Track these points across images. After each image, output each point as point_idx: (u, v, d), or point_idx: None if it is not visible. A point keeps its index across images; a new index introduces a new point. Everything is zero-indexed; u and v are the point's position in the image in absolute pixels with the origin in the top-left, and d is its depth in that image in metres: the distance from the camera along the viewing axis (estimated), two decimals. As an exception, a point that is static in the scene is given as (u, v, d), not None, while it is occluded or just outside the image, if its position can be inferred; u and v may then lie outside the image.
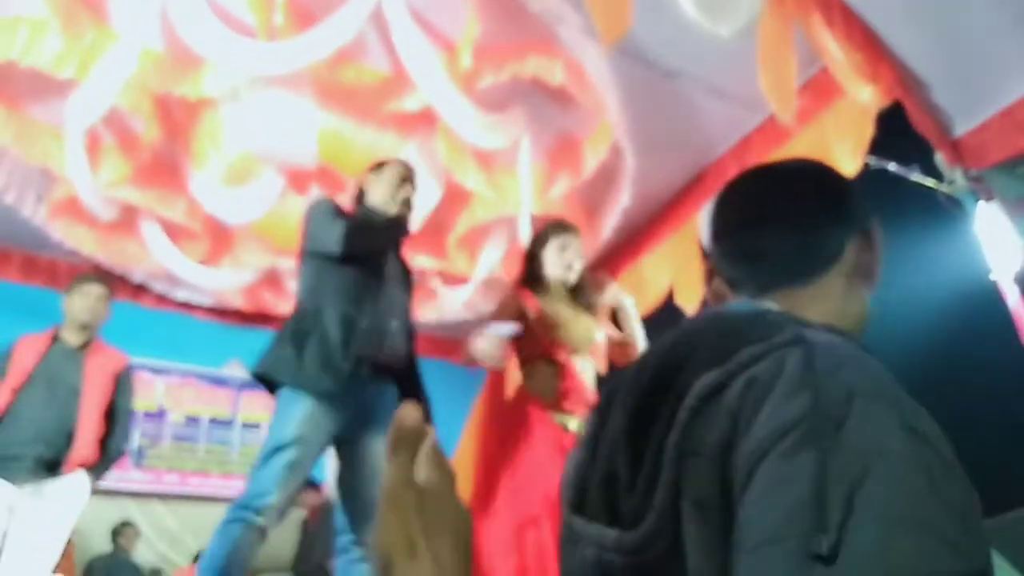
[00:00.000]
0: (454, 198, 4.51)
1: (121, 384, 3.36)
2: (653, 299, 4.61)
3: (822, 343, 0.67)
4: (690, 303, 4.37)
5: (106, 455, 3.23)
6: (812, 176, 0.97)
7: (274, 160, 4.17)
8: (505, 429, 2.36)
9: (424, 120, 4.05)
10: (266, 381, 2.21)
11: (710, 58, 3.44)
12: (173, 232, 4.72)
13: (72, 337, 3.30)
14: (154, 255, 4.75)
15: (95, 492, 3.23)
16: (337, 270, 2.25)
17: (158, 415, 5.60)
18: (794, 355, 0.65)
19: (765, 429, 0.61)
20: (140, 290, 5.19)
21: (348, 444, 2.21)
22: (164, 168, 4.32)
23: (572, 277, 2.57)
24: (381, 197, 2.46)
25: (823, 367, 0.63)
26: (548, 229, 2.67)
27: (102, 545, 5.04)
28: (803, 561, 0.53)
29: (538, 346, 2.44)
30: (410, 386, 2.38)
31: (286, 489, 1.98)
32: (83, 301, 3.30)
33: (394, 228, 2.40)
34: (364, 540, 2.16)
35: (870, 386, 0.61)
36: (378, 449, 2.21)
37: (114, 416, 3.29)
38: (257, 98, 3.84)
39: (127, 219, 4.64)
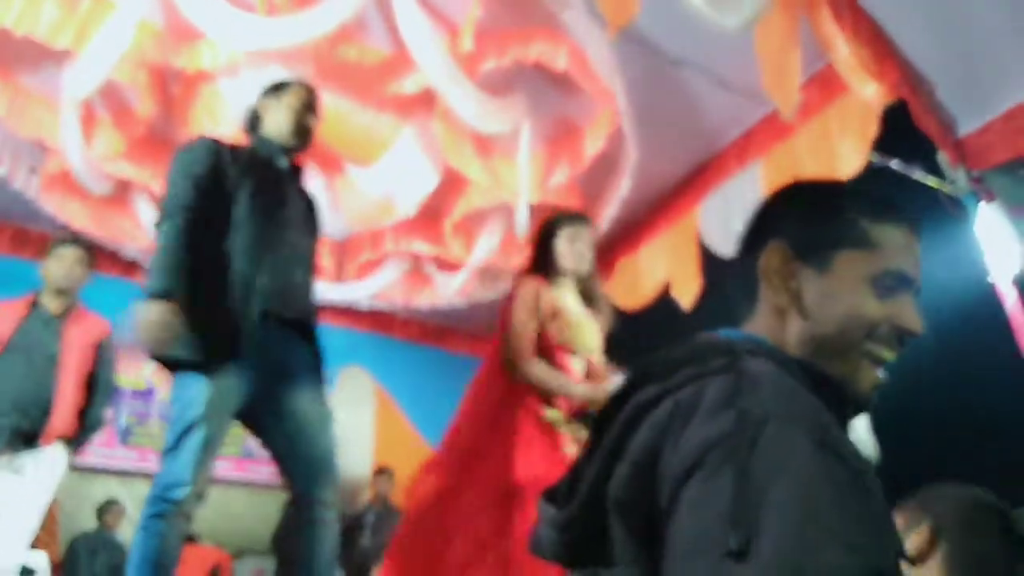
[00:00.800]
0: (451, 183, 4.46)
1: (102, 353, 3.21)
2: (649, 292, 4.60)
3: (751, 372, 0.73)
4: (686, 297, 4.33)
5: (85, 427, 3.11)
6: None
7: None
8: (492, 412, 2.28)
9: (423, 103, 4.01)
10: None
11: (717, 47, 3.40)
12: (166, 209, 4.68)
13: (51, 303, 3.16)
14: (147, 231, 4.67)
15: (81, 468, 3.15)
16: (240, 226, 2.03)
17: (146, 393, 5.54)
18: (718, 383, 0.73)
19: (689, 446, 0.68)
20: (132, 266, 5.14)
21: (266, 404, 2.02)
22: (160, 143, 4.24)
23: (584, 268, 2.48)
24: (277, 125, 2.23)
25: (745, 394, 0.70)
26: (557, 218, 2.56)
27: (86, 522, 5.02)
28: (720, 562, 0.60)
29: (542, 343, 2.33)
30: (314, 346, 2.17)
31: (203, 471, 1.88)
32: (59, 265, 3.15)
33: (268, 185, 2.11)
34: (324, 498, 1.98)
35: (786, 409, 0.68)
36: (304, 403, 2.04)
37: (94, 386, 3.16)
38: (256, 74, 3.75)
39: (121, 194, 4.59)
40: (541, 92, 4.06)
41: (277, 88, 2.30)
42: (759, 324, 0.89)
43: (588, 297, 2.54)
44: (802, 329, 0.85)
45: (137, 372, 5.45)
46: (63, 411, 3.02)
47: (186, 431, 1.87)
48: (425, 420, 5.96)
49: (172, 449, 1.88)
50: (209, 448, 1.89)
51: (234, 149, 2.14)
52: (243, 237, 2.02)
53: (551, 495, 0.87)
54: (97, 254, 3.42)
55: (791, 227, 0.89)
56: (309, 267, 2.21)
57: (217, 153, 2.08)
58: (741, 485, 0.62)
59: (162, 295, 1.85)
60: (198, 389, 1.90)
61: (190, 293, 1.92)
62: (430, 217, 4.75)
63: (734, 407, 0.68)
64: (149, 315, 1.83)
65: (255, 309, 1.96)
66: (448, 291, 5.20)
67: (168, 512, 1.83)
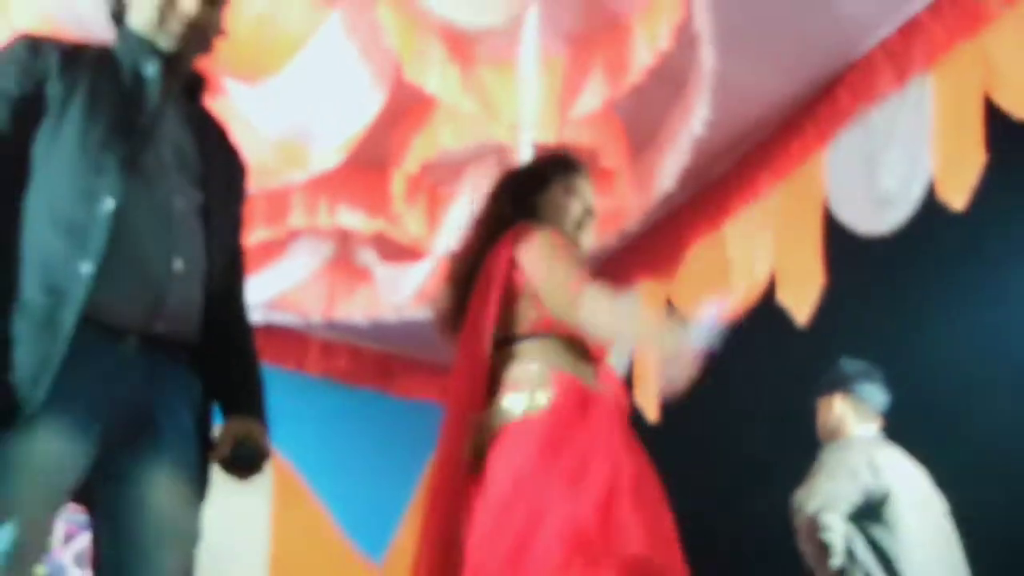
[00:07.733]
0: (405, 110, 3.88)
1: None
2: (743, 292, 3.96)
3: None
4: (801, 303, 3.65)
5: None
6: None
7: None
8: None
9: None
10: None
11: None
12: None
13: None
14: None
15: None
16: (49, 172, 1.62)
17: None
18: None
19: None
20: None
21: (108, 483, 1.64)
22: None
23: (586, 241, 2.34)
24: (142, 16, 1.80)
25: None
26: (546, 165, 2.43)
27: None
28: None
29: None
30: (229, 380, 1.80)
31: None
32: None
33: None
34: None
35: None
36: (162, 488, 1.68)
37: None
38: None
39: None
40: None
41: None
42: None
43: None
44: None
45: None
46: None
47: None
48: (353, 513, 5.33)
49: None
50: (21, 558, 1.53)
51: (74, 51, 1.75)
52: (60, 191, 1.62)
53: None
54: None
55: None
56: (203, 248, 1.77)
57: (38, 56, 1.68)
58: None
59: None
60: (10, 457, 1.55)
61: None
62: (368, 168, 4.07)
63: None
64: None
65: (70, 315, 1.55)
66: (398, 294, 4.50)
67: None
